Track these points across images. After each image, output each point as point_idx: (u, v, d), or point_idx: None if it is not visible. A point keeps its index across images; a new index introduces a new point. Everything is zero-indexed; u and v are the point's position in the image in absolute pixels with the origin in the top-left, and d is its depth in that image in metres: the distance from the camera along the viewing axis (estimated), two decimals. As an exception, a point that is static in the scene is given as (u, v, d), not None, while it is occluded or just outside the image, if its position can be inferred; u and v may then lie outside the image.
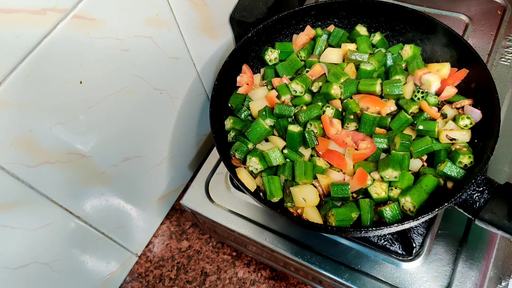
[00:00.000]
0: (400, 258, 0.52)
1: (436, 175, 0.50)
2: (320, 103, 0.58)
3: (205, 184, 0.63)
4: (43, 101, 0.44)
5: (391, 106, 0.56)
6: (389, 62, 0.61)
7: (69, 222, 0.54)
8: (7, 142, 0.42)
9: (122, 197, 0.63)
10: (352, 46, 0.62)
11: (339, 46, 0.63)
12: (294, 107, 0.58)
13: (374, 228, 0.45)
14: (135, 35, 0.52)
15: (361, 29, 0.65)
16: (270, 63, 0.66)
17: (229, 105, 0.62)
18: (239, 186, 0.51)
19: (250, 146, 0.57)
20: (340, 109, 0.58)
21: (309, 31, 0.66)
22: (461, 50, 0.57)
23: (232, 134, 0.59)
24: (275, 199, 0.53)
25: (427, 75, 0.57)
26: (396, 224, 0.44)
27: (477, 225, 0.46)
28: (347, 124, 0.56)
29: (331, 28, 0.66)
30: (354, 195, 0.52)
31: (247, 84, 0.63)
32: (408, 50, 0.61)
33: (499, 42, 0.69)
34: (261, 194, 0.54)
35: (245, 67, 0.64)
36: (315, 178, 0.53)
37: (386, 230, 0.45)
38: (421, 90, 0.57)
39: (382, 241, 0.54)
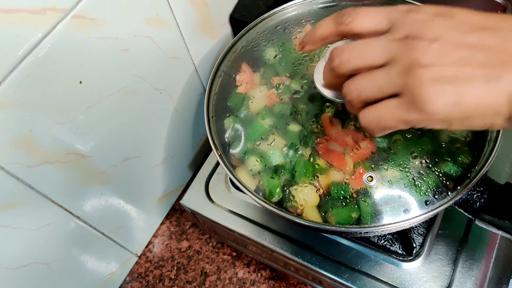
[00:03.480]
0: (400, 258, 0.52)
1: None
2: (320, 102, 0.58)
3: (205, 184, 0.63)
4: (43, 101, 0.44)
5: (391, 106, 0.56)
6: (389, 61, 0.61)
7: (69, 222, 0.54)
8: (7, 142, 0.42)
9: (122, 197, 0.62)
10: (352, 46, 0.62)
11: (339, 45, 0.63)
12: (293, 106, 0.58)
13: (374, 228, 0.45)
14: (135, 35, 0.52)
15: (361, 29, 0.65)
16: (270, 62, 0.66)
17: (229, 104, 0.62)
18: (239, 186, 0.51)
19: (250, 145, 0.57)
20: (340, 108, 0.58)
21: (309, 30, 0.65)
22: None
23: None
24: (275, 199, 0.53)
25: (427, 75, 0.56)
26: (396, 224, 0.44)
27: (477, 225, 0.46)
28: (347, 123, 0.56)
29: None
30: (354, 195, 0.52)
31: (247, 83, 0.63)
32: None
33: (499, 42, 0.69)
34: (260, 194, 0.54)
35: (244, 66, 0.64)
36: (315, 178, 0.53)
37: (386, 230, 0.45)
38: (421, 90, 0.57)
39: (382, 241, 0.54)
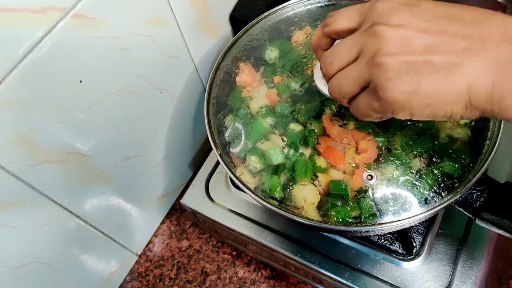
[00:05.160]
0: (401, 257, 0.52)
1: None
2: (320, 102, 0.58)
3: (205, 183, 0.63)
4: (43, 100, 0.44)
5: (391, 105, 0.56)
6: (389, 61, 0.61)
7: (69, 221, 0.54)
8: (7, 141, 0.42)
9: (122, 196, 0.62)
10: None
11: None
12: (294, 105, 0.58)
13: (374, 227, 0.45)
14: (135, 34, 0.52)
15: (361, 28, 0.65)
16: (270, 62, 0.66)
17: (229, 103, 0.62)
18: (239, 185, 0.52)
19: (250, 145, 0.57)
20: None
21: (308, 30, 0.65)
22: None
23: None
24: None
25: (428, 74, 0.56)
26: (396, 223, 0.44)
27: (477, 225, 0.46)
28: (347, 123, 0.56)
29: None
30: (354, 194, 0.52)
31: (247, 82, 0.63)
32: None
33: (499, 41, 0.69)
34: (260, 193, 0.54)
35: (244, 66, 0.64)
36: (315, 177, 0.53)
37: (387, 229, 0.45)
38: (421, 89, 0.57)
39: (382, 240, 0.54)
